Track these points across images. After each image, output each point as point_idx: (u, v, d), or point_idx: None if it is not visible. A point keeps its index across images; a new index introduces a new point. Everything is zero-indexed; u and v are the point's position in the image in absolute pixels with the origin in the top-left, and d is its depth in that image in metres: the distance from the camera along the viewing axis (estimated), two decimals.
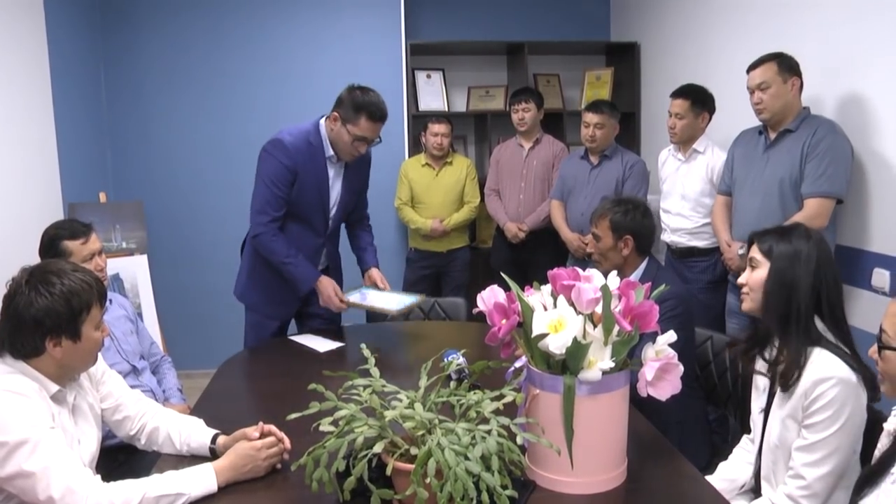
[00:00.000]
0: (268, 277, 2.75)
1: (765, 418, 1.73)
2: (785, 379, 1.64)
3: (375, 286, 2.85)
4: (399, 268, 4.37)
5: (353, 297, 2.72)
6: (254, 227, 2.69)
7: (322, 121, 2.66)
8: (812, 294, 1.64)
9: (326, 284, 2.67)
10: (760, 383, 1.78)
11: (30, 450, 1.38)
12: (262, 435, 1.62)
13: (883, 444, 1.36)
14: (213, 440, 1.68)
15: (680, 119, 3.20)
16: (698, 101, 3.19)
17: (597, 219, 2.40)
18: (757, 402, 1.78)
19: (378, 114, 2.54)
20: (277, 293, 2.77)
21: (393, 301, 2.72)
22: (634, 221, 2.34)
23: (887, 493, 1.24)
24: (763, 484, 1.73)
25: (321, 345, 2.60)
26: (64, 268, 1.56)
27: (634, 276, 2.34)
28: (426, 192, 4.08)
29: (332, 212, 2.76)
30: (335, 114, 2.57)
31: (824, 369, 1.56)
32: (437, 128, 4.05)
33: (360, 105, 2.52)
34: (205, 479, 1.51)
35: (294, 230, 2.69)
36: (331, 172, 2.69)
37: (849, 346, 1.62)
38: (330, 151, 2.65)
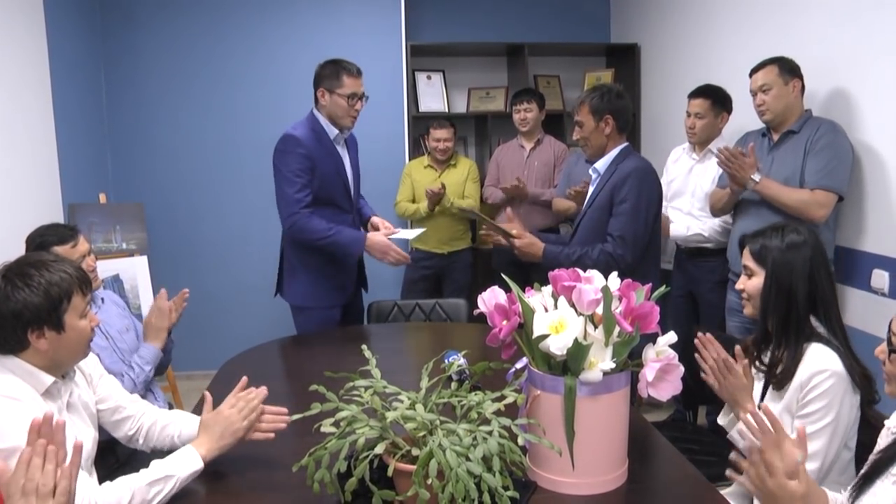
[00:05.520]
0: (323, 265, 2.83)
1: None
2: (781, 379, 1.66)
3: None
4: (400, 268, 4.37)
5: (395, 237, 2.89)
6: (287, 220, 2.74)
7: (314, 110, 2.82)
8: (808, 295, 1.67)
9: (377, 239, 2.78)
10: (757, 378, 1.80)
11: None
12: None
13: (883, 442, 1.36)
14: None
15: (700, 119, 3.20)
16: (718, 100, 3.19)
17: (577, 107, 2.58)
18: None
19: (353, 68, 2.78)
20: (338, 276, 2.89)
21: (409, 233, 3.09)
22: (611, 103, 2.51)
23: (886, 491, 1.24)
24: None
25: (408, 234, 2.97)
26: (43, 259, 1.55)
27: (611, 154, 2.56)
28: None
29: (352, 189, 2.92)
30: (321, 90, 2.77)
31: (820, 362, 1.60)
32: (440, 133, 4.04)
33: (336, 69, 2.76)
34: (188, 458, 1.53)
35: (327, 214, 2.80)
36: (340, 152, 2.84)
37: (843, 343, 1.64)
38: (334, 131, 2.80)
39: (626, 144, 2.57)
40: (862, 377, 1.60)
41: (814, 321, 1.68)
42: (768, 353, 1.74)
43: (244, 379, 1.70)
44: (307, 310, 2.88)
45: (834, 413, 1.57)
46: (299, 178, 2.70)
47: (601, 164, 2.58)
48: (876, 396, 1.65)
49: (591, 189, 2.66)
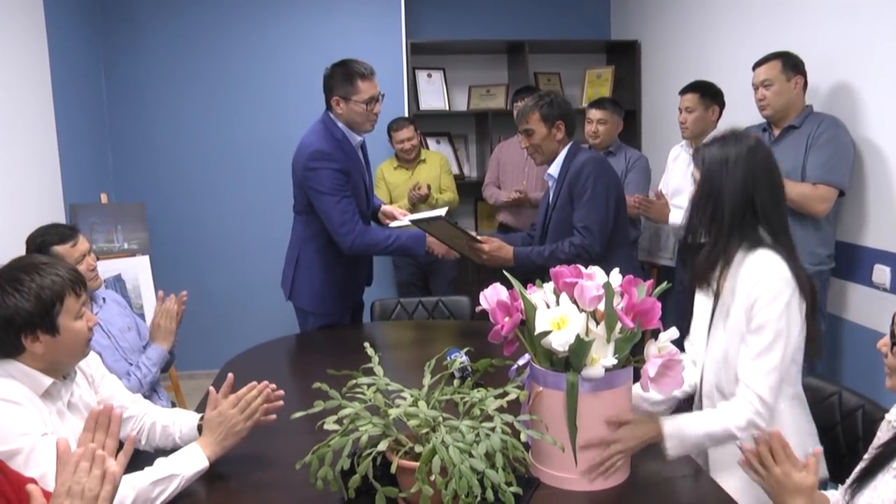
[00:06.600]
0: (340, 273, 2.77)
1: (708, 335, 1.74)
2: (701, 277, 1.66)
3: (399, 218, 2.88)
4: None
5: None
6: (345, 240, 2.61)
7: (329, 116, 2.66)
8: (743, 200, 1.63)
9: (432, 238, 2.66)
10: (703, 301, 1.78)
11: (24, 460, 1.37)
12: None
13: (883, 435, 1.36)
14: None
15: (690, 112, 3.22)
16: (707, 94, 3.21)
17: (526, 115, 2.59)
18: (699, 320, 1.79)
19: (366, 71, 2.61)
20: (352, 282, 2.85)
21: (429, 212, 2.72)
22: (561, 108, 2.58)
23: (886, 485, 1.24)
24: (704, 401, 1.74)
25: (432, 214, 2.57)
26: (34, 262, 1.54)
27: (561, 155, 2.60)
28: (404, 193, 4.07)
29: (370, 193, 2.86)
30: (335, 99, 2.60)
31: (767, 266, 1.59)
32: (402, 133, 4.05)
33: (348, 74, 2.58)
34: (193, 456, 1.53)
35: None
36: (361, 158, 2.76)
37: (789, 252, 1.63)
38: (357, 138, 2.69)
39: (571, 143, 2.62)
40: (802, 282, 1.59)
41: (761, 231, 1.65)
42: (713, 274, 1.70)
43: (250, 385, 1.68)
44: (320, 315, 2.81)
45: (785, 320, 1.55)
46: (341, 192, 2.58)
47: (554, 167, 2.62)
48: (816, 307, 1.63)
49: (550, 195, 2.67)
